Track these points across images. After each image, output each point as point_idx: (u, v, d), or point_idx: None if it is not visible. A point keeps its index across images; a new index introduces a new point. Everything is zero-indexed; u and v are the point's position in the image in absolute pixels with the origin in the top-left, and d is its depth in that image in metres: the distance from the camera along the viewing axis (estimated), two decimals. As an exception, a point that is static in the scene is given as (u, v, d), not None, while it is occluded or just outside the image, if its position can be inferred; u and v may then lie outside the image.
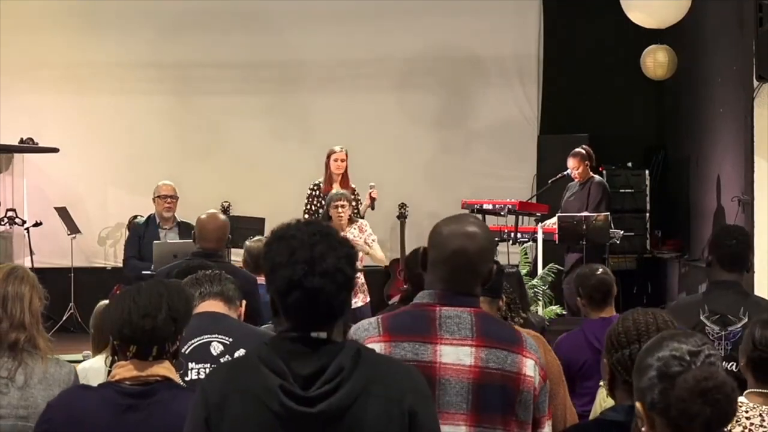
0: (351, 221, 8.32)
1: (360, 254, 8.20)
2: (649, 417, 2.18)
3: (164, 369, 2.86)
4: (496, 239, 9.34)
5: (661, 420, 2.15)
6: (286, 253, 2.36)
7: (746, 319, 4.22)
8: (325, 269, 2.34)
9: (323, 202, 9.06)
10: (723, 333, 4.39)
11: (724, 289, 4.41)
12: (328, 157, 9.17)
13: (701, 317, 4.38)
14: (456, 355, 2.77)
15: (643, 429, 2.20)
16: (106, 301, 4.62)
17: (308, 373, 2.31)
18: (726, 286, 4.42)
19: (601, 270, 5.16)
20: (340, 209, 8.17)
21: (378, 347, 2.78)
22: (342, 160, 9.15)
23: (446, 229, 2.87)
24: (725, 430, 2.15)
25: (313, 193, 9.17)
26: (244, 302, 4.00)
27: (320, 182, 9.19)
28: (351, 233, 8.22)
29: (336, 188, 8.91)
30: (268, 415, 2.31)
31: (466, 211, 9.41)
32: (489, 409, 2.77)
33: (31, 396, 3.37)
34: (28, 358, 3.45)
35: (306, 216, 9.07)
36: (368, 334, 2.81)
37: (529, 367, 2.82)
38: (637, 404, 2.21)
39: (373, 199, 9.13)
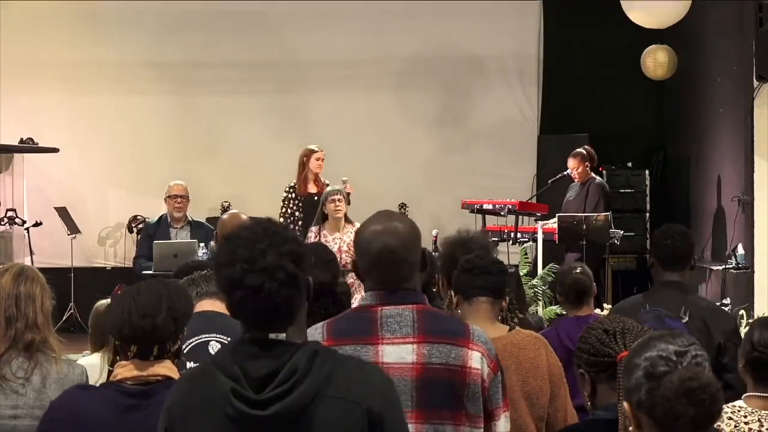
0: (348, 221, 8.31)
1: (338, 257, 8.15)
2: (636, 416, 2.20)
3: (165, 369, 2.85)
4: (496, 239, 9.35)
5: (647, 419, 2.17)
6: (228, 253, 2.36)
7: (687, 318, 4.23)
8: (264, 266, 2.31)
9: (300, 204, 9.08)
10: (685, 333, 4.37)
11: (666, 290, 4.41)
12: (307, 156, 9.17)
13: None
14: (398, 353, 2.77)
15: (630, 428, 2.22)
16: (105, 300, 4.63)
17: (262, 375, 2.29)
18: (668, 286, 4.42)
19: (579, 269, 5.17)
20: (337, 203, 8.17)
21: None
22: (323, 160, 9.17)
23: (367, 233, 2.86)
24: (715, 427, 2.16)
25: (289, 195, 9.16)
26: None
27: (295, 183, 9.18)
28: (347, 236, 8.21)
29: (312, 188, 8.97)
30: (224, 420, 2.30)
31: (460, 210, 9.43)
32: (435, 405, 2.76)
33: (47, 397, 3.38)
34: (43, 358, 3.47)
35: (281, 219, 9.08)
36: (313, 339, 2.81)
37: (475, 360, 2.80)
38: (625, 404, 2.23)
39: (347, 194, 9.10)
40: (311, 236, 8.18)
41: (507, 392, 2.93)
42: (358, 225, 8.25)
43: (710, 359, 3.91)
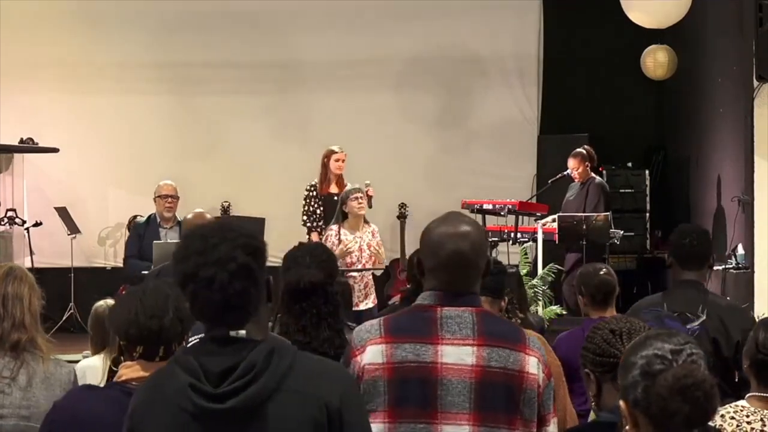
0: (366, 222, 8.35)
1: (358, 255, 8.19)
2: (633, 415, 2.20)
3: (170, 370, 2.86)
4: (496, 239, 9.35)
5: (643, 418, 2.17)
6: (183, 248, 2.40)
7: (704, 317, 4.25)
8: (216, 258, 2.33)
9: (321, 203, 9.08)
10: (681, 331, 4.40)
11: (684, 288, 4.44)
12: (327, 157, 9.14)
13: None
14: (458, 355, 2.77)
15: (627, 428, 2.22)
16: (103, 302, 4.63)
17: (220, 370, 2.31)
18: (686, 285, 4.45)
19: (604, 270, 5.16)
20: (360, 200, 8.21)
21: (379, 348, 2.79)
22: (343, 161, 9.15)
23: (437, 233, 2.85)
24: (713, 426, 2.16)
25: (310, 193, 9.15)
26: None
27: (316, 183, 9.18)
28: (366, 235, 8.26)
29: (333, 188, 8.99)
30: (184, 415, 2.32)
31: (461, 210, 9.43)
32: (492, 408, 2.76)
33: (33, 396, 3.38)
34: (30, 358, 3.46)
35: (305, 218, 9.08)
36: (370, 335, 2.82)
37: (532, 365, 2.81)
38: (621, 402, 2.23)
39: (369, 197, 9.13)
40: (331, 234, 8.18)
41: (557, 398, 2.94)
42: (374, 226, 8.41)
43: (729, 357, 3.93)
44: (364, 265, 8.22)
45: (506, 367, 2.78)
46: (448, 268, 2.82)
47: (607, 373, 2.74)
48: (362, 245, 8.20)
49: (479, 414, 2.76)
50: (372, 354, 2.79)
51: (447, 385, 2.75)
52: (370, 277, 8.35)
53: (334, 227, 8.25)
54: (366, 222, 8.34)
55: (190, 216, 6.12)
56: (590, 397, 2.84)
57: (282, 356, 2.35)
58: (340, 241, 8.05)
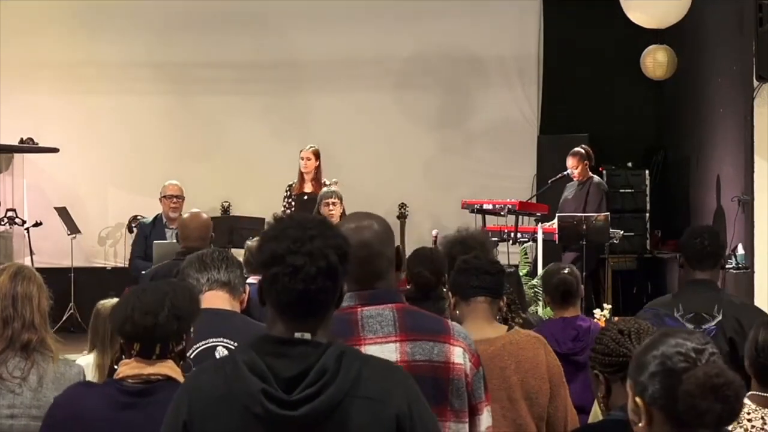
0: None
1: None
2: (648, 411, 2.18)
3: (168, 368, 2.86)
4: (496, 239, 9.35)
5: (661, 415, 2.15)
6: (277, 230, 2.36)
7: (720, 317, 4.25)
8: (309, 250, 2.31)
9: (291, 202, 9.15)
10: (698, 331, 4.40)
11: (697, 288, 4.44)
12: (300, 156, 9.30)
13: (676, 315, 4.40)
14: (381, 352, 2.76)
15: (640, 424, 2.20)
16: (105, 301, 4.60)
17: (291, 375, 2.27)
18: (699, 284, 4.45)
19: (566, 270, 5.13)
20: (331, 206, 8.19)
21: None
22: (308, 159, 9.21)
23: (342, 232, 2.87)
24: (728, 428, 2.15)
25: (285, 194, 9.26)
26: (248, 289, 3.93)
27: (293, 183, 9.24)
28: None
29: (308, 188, 9.06)
30: (251, 419, 2.28)
31: (460, 210, 9.43)
32: None
33: (44, 396, 3.39)
34: (40, 358, 3.47)
35: None
36: None
37: (458, 355, 2.82)
38: (637, 399, 2.21)
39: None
40: None
41: (488, 386, 2.95)
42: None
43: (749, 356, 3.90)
44: None
45: (431, 359, 2.79)
46: (354, 260, 2.81)
47: (617, 373, 2.74)
48: None
49: None
50: None
51: None
52: None
53: None
54: None
55: (186, 216, 6.10)
56: (598, 398, 2.84)
57: (351, 361, 2.32)
58: None
